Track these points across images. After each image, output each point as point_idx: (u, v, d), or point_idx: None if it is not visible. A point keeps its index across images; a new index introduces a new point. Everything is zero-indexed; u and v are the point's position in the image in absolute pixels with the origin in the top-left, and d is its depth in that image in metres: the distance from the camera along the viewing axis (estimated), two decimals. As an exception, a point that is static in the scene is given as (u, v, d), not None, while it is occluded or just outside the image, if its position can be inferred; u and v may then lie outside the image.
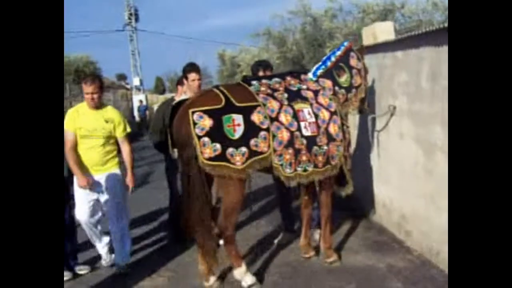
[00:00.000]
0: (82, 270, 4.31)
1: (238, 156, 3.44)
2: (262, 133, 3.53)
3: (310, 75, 4.14)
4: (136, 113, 24.61)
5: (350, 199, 4.56)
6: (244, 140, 3.46)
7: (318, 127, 3.78)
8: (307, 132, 3.71)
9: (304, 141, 3.69)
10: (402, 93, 4.48)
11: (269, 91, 3.77)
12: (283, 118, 3.65)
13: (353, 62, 4.29)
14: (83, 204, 4.11)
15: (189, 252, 4.56)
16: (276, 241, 4.77)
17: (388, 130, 4.81)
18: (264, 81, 3.89)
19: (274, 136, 3.57)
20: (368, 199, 5.39)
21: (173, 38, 73.65)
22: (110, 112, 4.21)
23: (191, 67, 4.64)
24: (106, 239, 4.39)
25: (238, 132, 3.46)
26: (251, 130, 3.50)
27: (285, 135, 3.62)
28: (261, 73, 4.57)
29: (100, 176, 4.11)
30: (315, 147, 3.75)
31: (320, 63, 4.25)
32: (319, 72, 4.14)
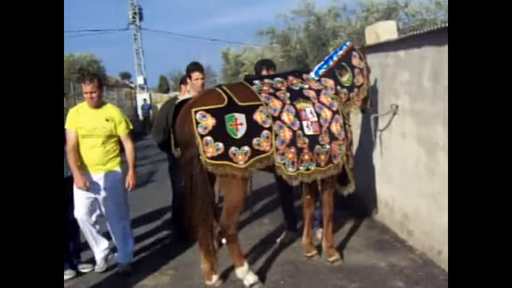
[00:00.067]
0: (85, 268, 4.32)
1: (240, 155, 3.45)
2: (265, 132, 3.54)
3: (312, 74, 4.15)
4: (140, 112, 24.66)
5: (352, 198, 4.56)
6: (246, 139, 3.48)
7: (320, 126, 3.79)
8: (309, 131, 3.72)
9: (306, 140, 3.70)
10: (404, 93, 4.48)
11: (271, 90, 3.78)
12: (285, 117, 3.66)
13: (355, 61, 4.30)
14: (81, 202, 4.07)
15: (191, 251, 4.58)
16: (278, 240, 4.78)
17: (391, 130, 4.81)
18: (266, 80, 3.90)
19: (276, 135, 3.58)
20: (370, 198, 5.39)
21: (177, 37, 73.66)
22: (110, 110, 4.17)
23: (194, 66, 4.65)
24: (104, 244, 4.24)
25: (241, 131, 3.47)
26: (254, 129, 3.51)
27: (287, 134, 3.62)
28: (264, 72, 4.57)
29: (100, 175, 4.08)
30: (317, 146, 3.75)
31: (322, 62, 4.26)
32: (321, 71, 4.15)
